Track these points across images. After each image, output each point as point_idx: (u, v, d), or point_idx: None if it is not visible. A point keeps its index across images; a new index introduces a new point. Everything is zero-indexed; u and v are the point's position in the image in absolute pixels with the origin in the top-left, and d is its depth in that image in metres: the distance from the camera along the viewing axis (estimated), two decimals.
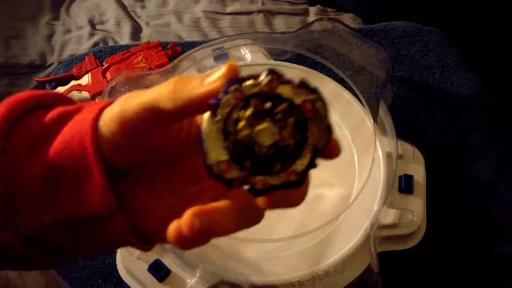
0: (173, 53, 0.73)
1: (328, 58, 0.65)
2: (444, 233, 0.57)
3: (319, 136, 0.24)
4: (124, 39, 0.94)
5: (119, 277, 0.51)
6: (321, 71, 0.64)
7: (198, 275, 0.49)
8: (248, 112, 0.23)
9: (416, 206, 0.54)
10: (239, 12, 0.99)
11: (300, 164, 0.24)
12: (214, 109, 0.23)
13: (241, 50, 0.67)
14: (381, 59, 0.63)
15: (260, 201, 0.24)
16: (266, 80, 0.23)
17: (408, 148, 0.58)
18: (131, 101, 0.25)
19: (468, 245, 0.58)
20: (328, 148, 0.24)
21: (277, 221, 0.52)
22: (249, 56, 0.66)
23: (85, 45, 0.93)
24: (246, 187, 0.24)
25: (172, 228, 0.24)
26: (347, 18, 0.97)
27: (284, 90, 0.23)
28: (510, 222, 0.59)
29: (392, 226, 0.52)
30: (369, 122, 0.58)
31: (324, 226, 0.50)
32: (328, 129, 0.24)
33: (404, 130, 0.57)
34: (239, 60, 0.65)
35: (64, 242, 0.27)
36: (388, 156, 0.55)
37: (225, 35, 0.88)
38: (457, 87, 0.70)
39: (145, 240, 0.28)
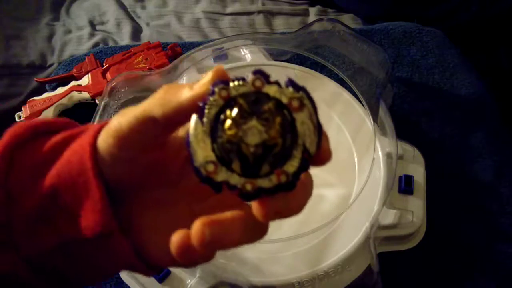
0: (173, 53, 0.73)
1: (328, 59, 0.65)
2: (444, 233, 0.57)
3: (309, 135, 0.23)
4: (124, 39, 0.94)
5: (119, 277, 0.51)
6: (321, 71, 0.64)
7: (198, 275, 0.49)
8: (235, 111, 0.23)
9: (416, 207, 0.54)
10: (239, 12, 0.99)
11: (290, 165, 0.23)
12: (201, 111, 0.23)
13: (241, 50, 0.67)
14: (381, 59, 0.63)
15: (257, 210, 0.23)
16: (252, 80, 0.23)
17: (408, 149, 0.58)
18: (125, 115, 0.25)
19: (468, 245, 0.58)
20: (320, 151, 0.23)
21: (277, 222, 0.52)
22: (249, 56, 0.66)
23: (85, 46, 0.93)
24: (235, 191, 0.23)
25: (176, 239, 0.23)
26: (347, 19, 0.97)
27: (271, 90, 0.23)
28: (510, 223, 0.59)
29: (392, 226, 0.52)
30: (369, 122, 0.58)
31: (324, 226, 0.50)
32: (318, 128, 0.23)
33: (404, 131, 0.57)
34: (239, 61, 0.65)
35: (66, 268, 0.27)
36: (388, 156, 0.55)
37: (225, 36, 0.88)
38: (457, 88, 0.70)
39: (153, 266, 0.27)
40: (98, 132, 0.26)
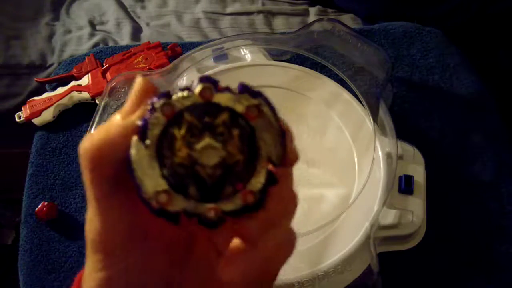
0: (173, 53, 0.73)
1: (328, 59, 0.65)
2: (444, 233, 0.57)
3: (273, 145, 0.20)
4: (124, 39, 0.94)
5: None
6: (321, 71, 0.64)
7: None
8: (183, 129, 0.19)
9: (416, 207, 0.54)
10: (239, 12, 0.99)
11: (256, 182, 0.20)
12: (142, 131, 0.19)
13: (241, 50, 0.66)
14: (381, 59, 0.63)
15: (236, 244, 0.21)
16: (198, 89, 0.19)
17: (408, 149, 0.58)
18: (87, 222, 0.22)
19: (468, 245, 0.58)
20: (286, 155, 0.20)
21: None
22: (249, 56, 0.66)
23: (85, 46, 0.93)
24: (195, 219, 0.20)
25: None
26: (347, 19, 0.97)
27: (222, 99, 0.20)
28: (510, 222, 0.59)
29: (392, 226, 0.52)
30: (369, 122, 0.58)
31: (324, 226, 0.50)
32: (281, 134, 0.20)
33: (404, 130, 0.57)
34: (239, 61, 0.65)
35: None
36: (388, 156, 0.55)
37: (225, 36, 0.88)
38: (457, 87, 0.70)
39: None
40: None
